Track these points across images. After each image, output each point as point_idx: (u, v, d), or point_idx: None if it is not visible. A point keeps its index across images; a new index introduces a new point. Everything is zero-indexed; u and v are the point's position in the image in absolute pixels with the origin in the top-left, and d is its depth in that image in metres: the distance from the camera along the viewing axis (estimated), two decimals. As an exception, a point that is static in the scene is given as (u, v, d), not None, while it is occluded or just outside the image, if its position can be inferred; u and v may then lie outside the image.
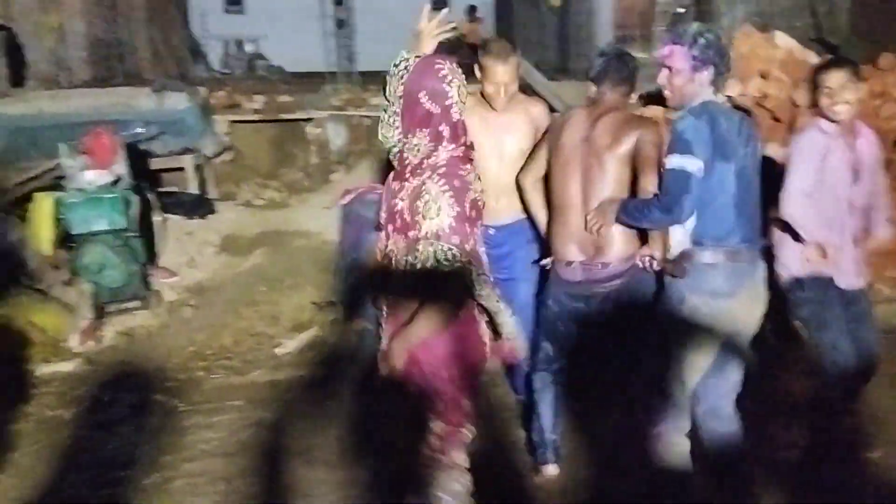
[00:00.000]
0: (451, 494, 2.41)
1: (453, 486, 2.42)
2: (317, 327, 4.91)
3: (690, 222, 2.69)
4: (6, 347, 4.63)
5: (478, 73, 3.34)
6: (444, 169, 2.31)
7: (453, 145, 2.34)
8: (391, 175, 2.48)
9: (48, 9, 11.16)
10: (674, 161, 2.58)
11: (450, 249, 2.24)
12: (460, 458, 2.45)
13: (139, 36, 13.76)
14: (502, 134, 3.36)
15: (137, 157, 6.81)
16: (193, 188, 7.87)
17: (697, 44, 2.65)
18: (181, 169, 7.86)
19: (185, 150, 7.99)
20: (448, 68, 2.39)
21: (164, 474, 3.38)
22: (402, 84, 2.40)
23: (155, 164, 7.62)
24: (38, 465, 3.50)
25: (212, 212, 7.38)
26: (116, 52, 12.59)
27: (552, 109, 7.74)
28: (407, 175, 2.36)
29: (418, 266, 2.28)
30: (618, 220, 2.87)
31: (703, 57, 2.65)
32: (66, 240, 5.52)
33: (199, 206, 7.27)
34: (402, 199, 2.35)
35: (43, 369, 4.49)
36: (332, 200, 7.09)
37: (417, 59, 2.44)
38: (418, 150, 2.35)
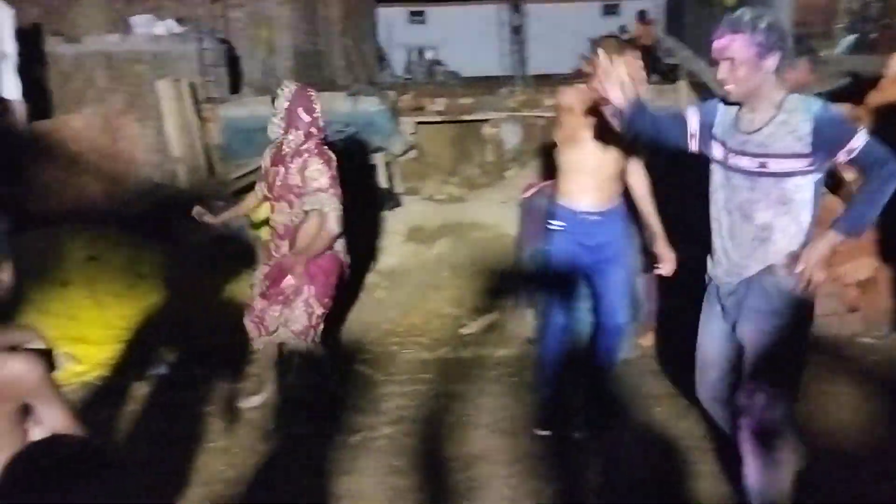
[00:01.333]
0: None
1: None
2: (497, 311, 5.04)
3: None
4: (230, 318, 5.10)
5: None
6: (316, 151, 3.60)
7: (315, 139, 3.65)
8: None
9: (260, 25, 12.09)
10: (862, 134, 2.34)
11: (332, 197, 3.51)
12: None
13: (335, 46, 14.59)
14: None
15: (336, 155, 7.24)
16: (383, 183, 8.27)
17: (759, 29, 2.35)
18: (373, 166, 8.27)
19: (377, 149, 8.40)
20: (315, 95, 3.71)
21: (366, 434, 3.63)
22: (287, 101, 3.60)
23: (349, 162, 8.07)
24: (262, 419, 3.84)
25: (399, 205, 7.72)
26: (315, 62, 13.41)
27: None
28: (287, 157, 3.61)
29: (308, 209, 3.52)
30: (849, 236, 2.41)
31: (768, 43, 2.36)
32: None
33: (388, 200, 7.63)
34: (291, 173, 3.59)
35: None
36: (506, 196, 7.21)
37: (297, 87, 3.73)
38: (294, 142, 3.60)
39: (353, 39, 15.27)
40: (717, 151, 2.55)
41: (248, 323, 3.82)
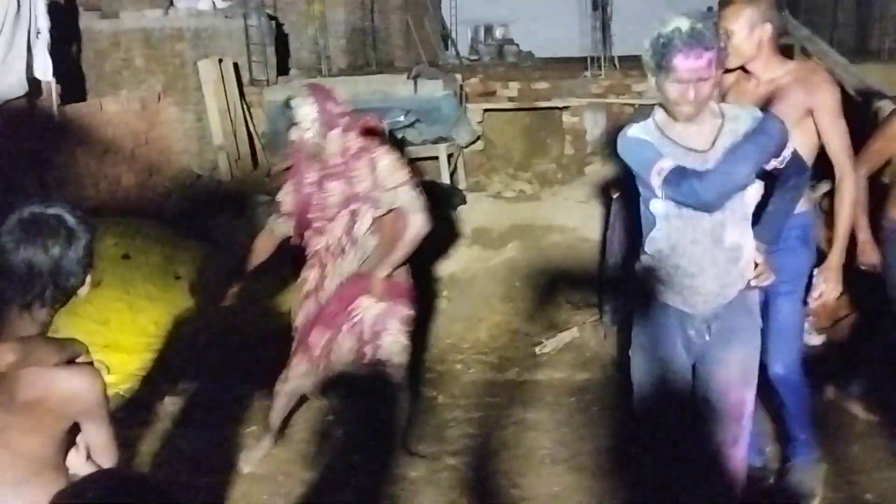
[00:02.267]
0: None
1: None
2: (576, 328, 4.95)
3: None
4: (274, 328, 5.15)
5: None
6: (376, 143, 3.55)
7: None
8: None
9: (312, -1, 12.24)
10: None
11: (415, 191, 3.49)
12: None
13: (393, 23, 14.68)
14: None
15: (394, 145, 7.25)
16: (446, 178, 8.25)
17: (718, 41, 2.40)
18: (434, 158, 8.26)
19: (439, 139, 8.39)
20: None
21: (427, 467, 3.58)
22: (314, 104, 3.41)
23: (410, 152, 8.08)
24: (307, 444, 3.85)
25: (463, 203, 7.67)
26: (371, 40, 13.52)
27: (850, 95, 7.19)
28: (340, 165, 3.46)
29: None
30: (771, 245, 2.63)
31: (722, 53, 2.42)
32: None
33: (451, 196, 7.58)
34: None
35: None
36: (587, 194, 7.10)
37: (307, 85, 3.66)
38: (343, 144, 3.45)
39: (414, 15, 15.33)
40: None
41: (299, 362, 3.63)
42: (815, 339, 4.34)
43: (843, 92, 7.39)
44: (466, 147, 9.01)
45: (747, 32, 2.85)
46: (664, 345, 2.61)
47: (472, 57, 17.33)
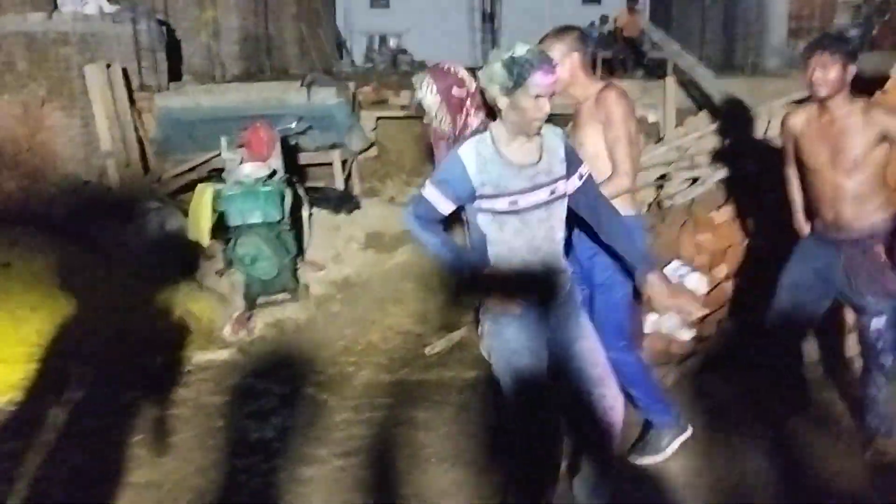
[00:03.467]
0: None
1: None
2: (465, 328, 4.99)
3: None
4: (166, 334, 5.00)
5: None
6: None
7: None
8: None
9: (204, 4, 11.94)
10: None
11: None
12: None
13: (287, 31, 14.47)
14: None
15: (288, 151, 7.17)
16: (340, 184, 8.19)
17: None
18: (328, 164, 8.20)
19: (333, 146, 8.33)
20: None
21: (318, 468, 3.54)
22: (435, 93, 3.17)
23: (303, 158, 8.00)
24: (196, 450, 3.74)
25: (357, 207, 7.64)
26: (265, 47, 13.30)
27: (717, 108, 7.53)
28: None
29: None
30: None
31: None
32: (221, 231, 5.89)
33: (345, 202, 7.54)
34: None
35: (199, 357, 4.81)
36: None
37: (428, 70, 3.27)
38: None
39: (309, 23, 15.17)
40: (500, 204, 2.62)
41: None
42: (686, 334, 4.52)
43: (709, 101, 7.76)
44: (360, 154, 8.97)
45: (561, 62, 3.14)
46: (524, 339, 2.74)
47: (367, 65, 17.31)
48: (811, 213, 3.46)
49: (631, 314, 3.50)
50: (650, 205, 5.93)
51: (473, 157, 2.60)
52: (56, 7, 8.60)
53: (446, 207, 2.65)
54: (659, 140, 7.44)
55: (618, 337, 3.25)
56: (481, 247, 2.69)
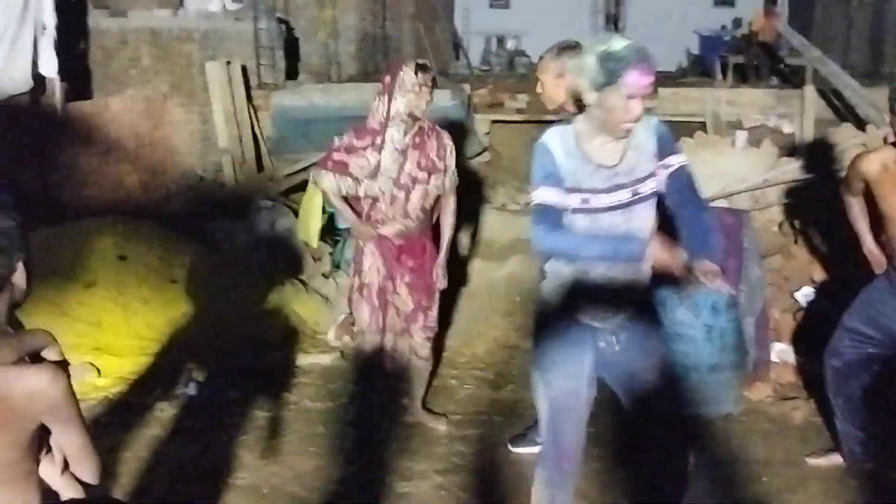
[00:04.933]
0: None
1: None
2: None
3: None
4: (271, 333, 5.12)
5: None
6: None
7: None
8: None
9: (323, 4, 12.24)
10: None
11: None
12: None
13: (405, 31, 14.68)
14: None
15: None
16: (450, 188, 8.20)
17: None
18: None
19: (446, 149, 8.34)
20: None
21: (416, 484, 3.53)
22: None
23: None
24: (296, 455, 3.80)
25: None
26: (382, 47, 13.52)
27: (862, 121, 7.13)
28: None
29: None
30: None
31: None
32: (330, 232, 5.99)
33: (455, 208, 7.54)
34: None
35: (302, 359, 4.89)
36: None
37: None
38: None
39: (426, 23, 15.33)
40: (571, 199, 2.52)
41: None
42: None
43: (854, 114, 7.36)
44: (472, 158, 8.97)
45: (556, 82, 3.32)
46: (574, 361, 2.66)
47: (484, 67, 17.36)
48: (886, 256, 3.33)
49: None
50: (780, 224, 5.67)
51: (559, 143, 2.51)
52: (181, 4, 9.00)
53: (563, 199, 2.50)
54: (792, 153, 7.10)
55: None
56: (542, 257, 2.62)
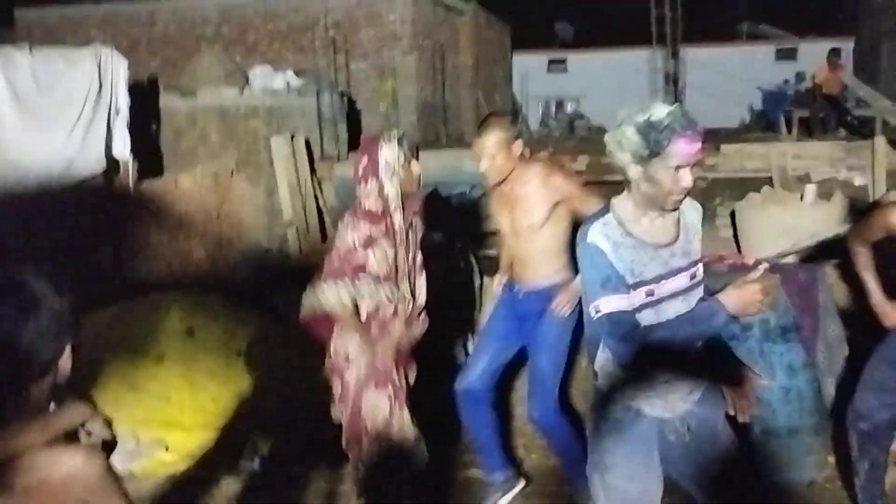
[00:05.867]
0: None
1: None
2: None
3: None
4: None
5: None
6: None
7: None
8: None
9: (384, 76, 12.55)
10: None
11: None
12: None
13: (464, 98, 14.92)
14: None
15: (462, 219, 7.24)
16: (512, 253, 8.17)
17: None
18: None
19: (507, 213, 8.34)
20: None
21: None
22: None
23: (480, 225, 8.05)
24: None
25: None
26: (442, 115, 13.74)
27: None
28: None
29: None
30: None
31: None
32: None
33: (518, 272, 7.49)
34: None
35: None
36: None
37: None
38: None
39: (485, 90, 15.55)
40: (635, 297, 2.33)
41: None
42: None
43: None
44: (534, 221, 8.94)
45: (506, 152, 3.49)
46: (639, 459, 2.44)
47: (542, 131, 17.45)
48: None
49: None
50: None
51: (604, 240, 2.28)
52: (247, 82, 9.32)
53: (629, 301, 2.29)
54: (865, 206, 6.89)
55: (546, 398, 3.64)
56: (593, 347, 2.44)
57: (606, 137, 2.35)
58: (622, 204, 2.35)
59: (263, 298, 6.64)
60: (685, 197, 2.31)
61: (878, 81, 15.05)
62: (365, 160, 3.22)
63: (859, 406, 3.29)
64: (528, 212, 3.54)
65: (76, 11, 13.57)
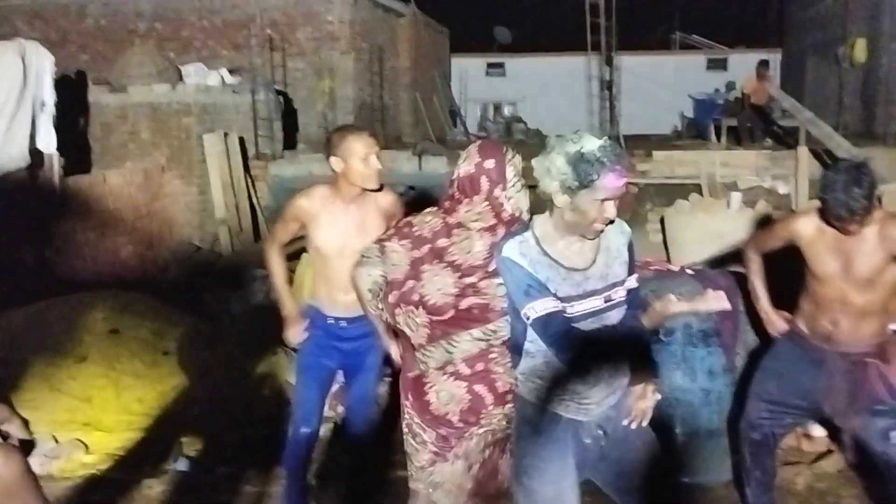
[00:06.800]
0: None
1: None
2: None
3: None
4: (265, 405, 5.03)
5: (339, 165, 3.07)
6: None
7: None
8: None
9: (322, 75, 12.46)
10: None
11: None
12: None
13: (402, 100, 14.91)
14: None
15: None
16: (447, 254, 8.20)
17: None
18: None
19: (442, 215, 8.39)
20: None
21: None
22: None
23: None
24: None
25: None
26: (380, 116, 13.70)
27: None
28: None
29: None
30: None
31: None
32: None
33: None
34: None
35: (296, 431, 4.78)
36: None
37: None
38: None
39: (423, 92, 15.57)
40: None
41: None
42: (819, 430, 4.19)
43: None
44: (470, 224, 8.99)
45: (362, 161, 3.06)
46: (556, 462, 2.46)
47: (481, 134, 17.54)
48: (806, 320, 3.24)
49: None
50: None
51: (519, 256, 2.32)
52: (181, 79, 9.15)
53: (559, 304, 2.33)
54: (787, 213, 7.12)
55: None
56: (516, 355, 2.45)
57: (534, 162, 2.34)
58: (542, 225, 2.38)
59: (194, 297, 6.53)
60: (604, 227, 2.34)
61: (803, 93, 15.54)
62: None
63: (751, 417, 3.31)
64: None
65: (4, 2, 13.14)
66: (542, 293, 2.32)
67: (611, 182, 2.22)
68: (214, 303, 6.46)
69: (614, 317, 2.45)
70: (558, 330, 2.33)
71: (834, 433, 4.07)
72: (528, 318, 2.34)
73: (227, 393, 4.98)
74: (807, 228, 3.15)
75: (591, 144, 2.24)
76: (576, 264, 2.37)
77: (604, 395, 2.47)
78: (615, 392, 2.49)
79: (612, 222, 2.34)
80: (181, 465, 4.30)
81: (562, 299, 2.34)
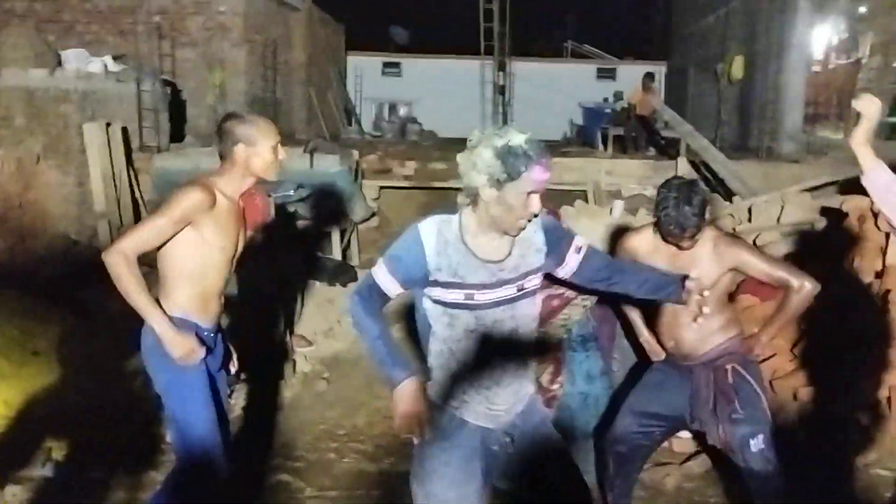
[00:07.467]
0: None
1: None
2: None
3: None
4: (142, 405, 4.87)
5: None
6: None
7: None
8: None
9: (212, 67, 12.14)
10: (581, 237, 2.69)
11: None
12: None
13: (296, 96, 14.69)
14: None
15: (285, 218, 7.15)
16: (337, 254, 8.15)
17: None
18: (327, 233, 8.17)
19: (333, 215, 8.32)
20: None
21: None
22: None
23: (301, 226, 7.97)
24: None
25: (354, 279, 7.57)
26: (272, 111, 13.47)
27: (731, 192, 7.50)
28: None
29: None
30: None
31: None
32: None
33: (341, 273, 7.48)
34: None
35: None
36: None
37: None
38: None
39: (318, 88, 15.39)
40: (453, 295, 2.41)
41: None
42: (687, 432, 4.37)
43: (724, 186, 7.72)
44: (361, 223, 8.96)
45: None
46: (461, 468, 2.47)
47: (376, 133, 17.51)
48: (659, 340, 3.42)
49: None
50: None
51: (434, 235, 2.36)
52: (60, 64, 8.74)
53: (393, 289, 2.39)
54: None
55: None
56: (424, 341, 2.47)
57: (459, 158, 2.36)
58: (467, 216, 2.41)
59: (70, 294, 6.26)
60: (528, 223, 2.38)
61: (685, 106, 16.21)
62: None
63: (618, 431, 3.38)
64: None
65: None
66: (396, 273, 2.38)
67: (538, 174, 2.28)
68: (91, 300, 6.20)
69: (525, 307, 2.49)
70: (366, 295, 2.40)
71: (700, 436, 4.26)
72: (371, 270, 2.43)
73: (101, 394, 4.80)
74: (642, 245, 3.30)
75: (518, 138, 2.28)
76: (491, 257, 2.41)
77: (510, 403, 2.51)
78: (522, 400, 2.55)
79: (536, 216, 2.37)
80: (48, 470, 4.12)
81: (474, 286, 2.37)
